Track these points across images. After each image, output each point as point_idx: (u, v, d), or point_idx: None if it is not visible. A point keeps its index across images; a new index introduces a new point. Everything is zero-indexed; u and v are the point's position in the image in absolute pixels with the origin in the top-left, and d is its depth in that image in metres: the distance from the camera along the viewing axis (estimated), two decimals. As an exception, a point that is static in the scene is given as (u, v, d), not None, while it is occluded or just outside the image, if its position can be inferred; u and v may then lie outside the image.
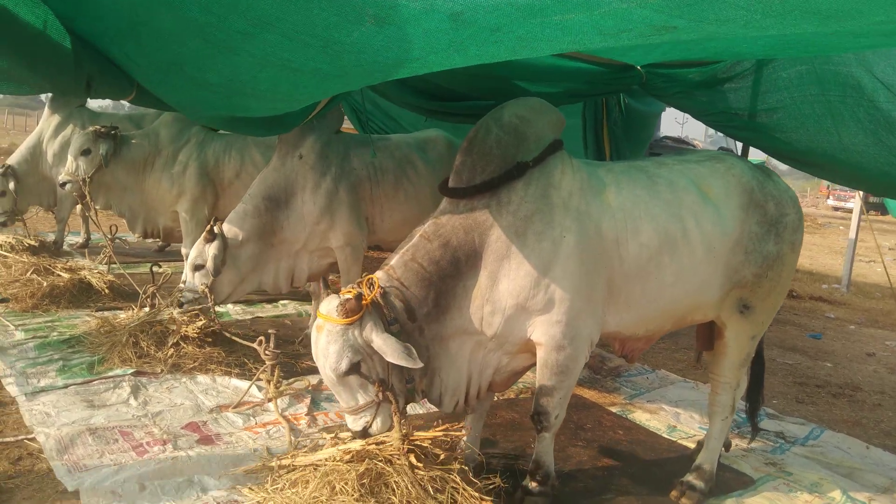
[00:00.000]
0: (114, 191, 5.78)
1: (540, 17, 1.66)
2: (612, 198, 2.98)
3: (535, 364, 3.18)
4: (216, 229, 4.23)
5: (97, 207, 5.79)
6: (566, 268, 2.83)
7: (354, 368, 2.62)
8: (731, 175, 3.19)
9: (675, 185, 3.10)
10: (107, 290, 5.53)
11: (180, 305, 4.32)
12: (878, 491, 3.61)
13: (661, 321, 3.18)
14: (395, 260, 2.86)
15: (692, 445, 3.97)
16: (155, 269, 5.23)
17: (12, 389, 3.76)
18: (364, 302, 2.64)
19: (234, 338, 4.33)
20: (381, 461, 2.64)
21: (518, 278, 2.81)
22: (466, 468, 2.72)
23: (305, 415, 3.81)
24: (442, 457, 2.70)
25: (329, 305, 2.67)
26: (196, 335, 4.40)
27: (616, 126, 3.90)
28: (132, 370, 4.09)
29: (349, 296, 2.69)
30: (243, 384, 4.12)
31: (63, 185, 5.63)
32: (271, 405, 3.88)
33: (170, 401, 3.82)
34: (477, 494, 2.58)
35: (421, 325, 2.80)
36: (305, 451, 2.94)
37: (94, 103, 8.27)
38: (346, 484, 2.53)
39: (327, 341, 2.59)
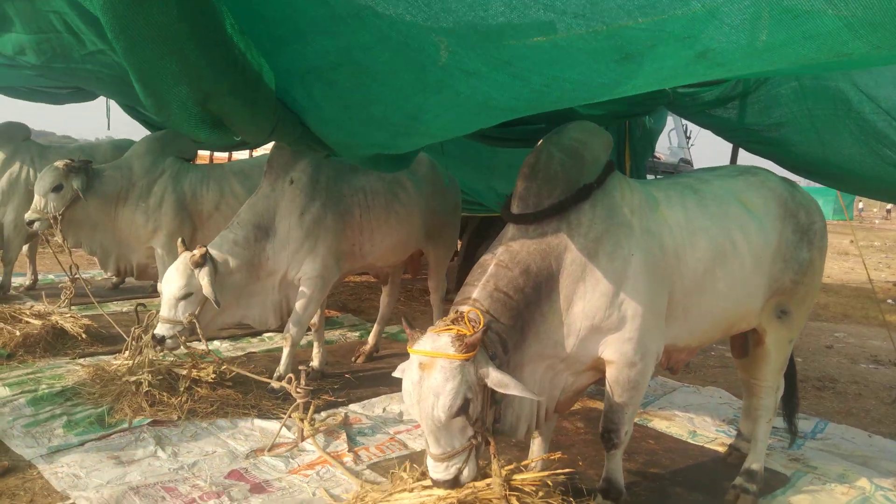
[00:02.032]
0: (84, 228, 5.41)
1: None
2: (667, 214, 3.07)
3: (595, 381, 3.22)
4: (205, 252, 4.02)
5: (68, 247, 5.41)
6: (636, 286, 2.88)
7: (464, 408, 2.45)
8: (766, 187, 3.35)
9: (720, 199, 3.23)
10: (83, 335, 5.16)
11: (160, 343, 4.03)
12: (894, 476, 3.84)
13: (712, 332, 3.29)
14: (476, 291, 2.78)
15: (720, 449, 4.12)
16: (140, 308, 4.94)
17: (24, 452, 3.44)
18: (478, 337, 2.47)
19: (258, 378, 4.13)
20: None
21: (593, 299, 2.84)
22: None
23: (348, 451, 3.69)
24: (540, 494, 2.66)
25: (438, 342, 2.49)
26: (209, 378, 4.17)
27: (637, 144, 4.03)
28: (148, 420, 3.83)
29: (454, 333, 2.51)
30: (270, 425, 3.95)
31: (31, 223, 5.23)
32: (307, 444, 3.74)
33: (200, 449, 3.61)
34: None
35: (510, 356, 2.77)
36: (378, 494, 2.83)
37: (42, 137, 7.72)
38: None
39: (444, 378, 2.40)
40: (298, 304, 4.48)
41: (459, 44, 1.49)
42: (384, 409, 4.41)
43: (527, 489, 2.65)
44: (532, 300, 2.79)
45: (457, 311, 2.74)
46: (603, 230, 2.88)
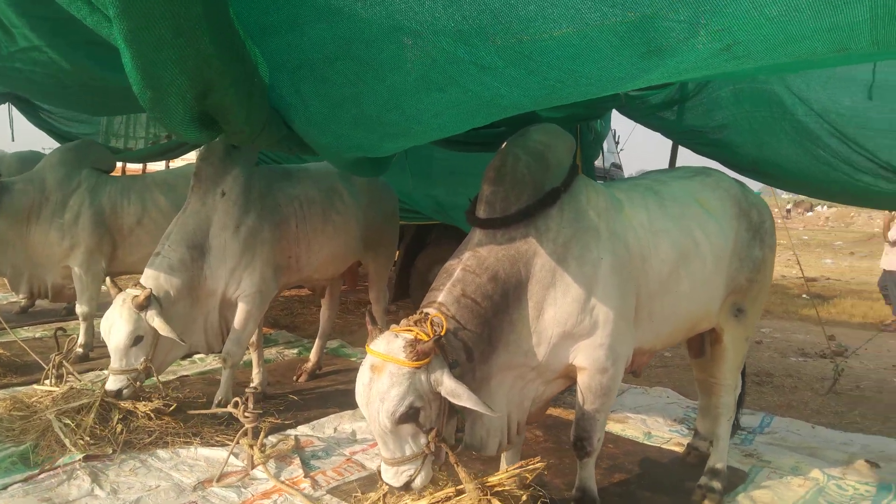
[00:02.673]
0: (-8, 247, 4.95)
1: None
2: (631, 216, 3.04)
3: (565, 389, 3.15)
4: (150, 293, 3.74)
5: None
6: (606, 290, 2.83)
7: (412, 416, 2.43)
8: (721, 188, 3.39)
9: (679, 200, 3.23)
10: (-7, 365, 4.70)
11: (118, 396, 3.76)
12: (841, 465, 3.96)
13: (676, 334, 3.29)
14: (442, 295, 2.70)
15: (677, 449, 4.14)
16: (60, 333, 4.55)
17: (-65, 501, 3.05)
18: (434, 344, 2.43)
19: (208, 410, 3.85)
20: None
21: (564, 305, 2.76)
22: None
23: (304, 477, 3.46)
24: (524, 497, 2.57)
25: (390, 345, 2.45)
26: (146, 409, 3.84)
27: (589, 148, 4.02)
28: (79, 455, 3.48)
29: (410, 336, 2.47)
30: (215, 453, 3.67)
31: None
32: (258, 472, 3.49)
33: (142, 484, 3.30)
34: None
35: (475, 365, 2.66)
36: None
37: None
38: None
39: (390, 384, 2.38)
40: (237, 323, 4.21)
41: (479, 36, 1.38)
42: (335, 430, 4.20)
43: (506, 491, 2.57)
44: (501, 308, 2.69)
45: (422, 313, 2.67)
46: (571, 234, 2.81)
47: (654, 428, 4.49)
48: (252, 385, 4.61)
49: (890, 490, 3.62)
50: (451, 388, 2.41)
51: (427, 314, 2.64)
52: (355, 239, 4.97)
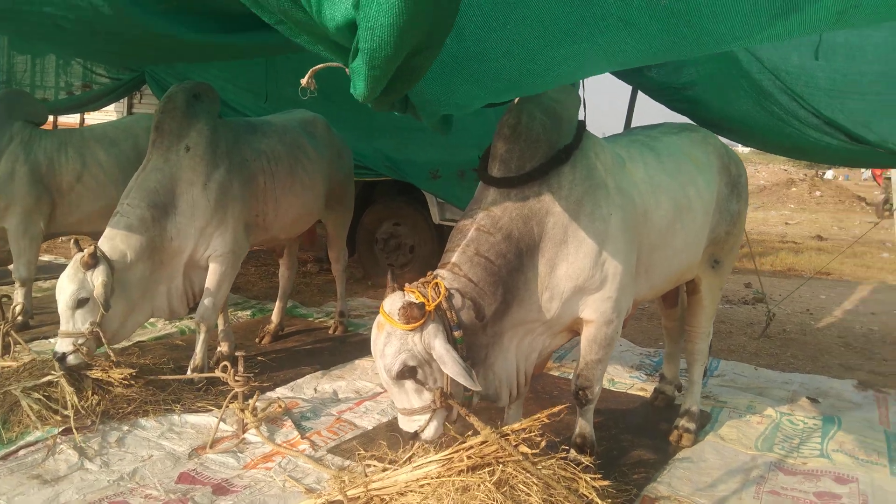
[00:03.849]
0: (-85, 210, 4.50)
1: None
2: (633, 172, 3.13)
3: (567, 341, 3.27)
4: (94, 251, 3.53)
5: None
6: (616, 245, 2.93)
7: (409, 373, 2.58)
8: (707, 143, 3.55)
9: (673, 156, 3.36)
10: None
11: (61, 361, 3.52)
12: (787, 402, 4.34)
13: (665, 285, 3.46)
14: (456, 256, 2.74)
15: (642, 394, 4.40)
16: (5, 300, 4.24)
17: None
18: (428, 309, 2.56)
19: (192, 374, 3.71)
20: (493, 464, 2.54)
21: (577, 261, 2.85)
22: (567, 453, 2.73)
23: (301, 439, 3.44)
24: (543, 444, 2.66)
25: (392, 305, 2.58)
26: (116, 378, 3.66)
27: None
28: (57, 429, 3.30)
29: (413, 298, 2.59)
30: (201, 419, 3.59)
31: None
32: (250, 436, 3.44)
33: (134, 455, 3.18)
34: (590, 476, 2.61)
35: (486, 323, 2.73)
36: (374, 476, 2.68)
37: None
38: (480, 495, 2.40)
39: (384, 343, 2.56)
40: (210, 284, 4.07)
41: None
42: (315, 390, 4.18)
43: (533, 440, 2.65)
44: (514, 266, 2.76)
45: (433, 275, 2.74)
46: (583, 191, 2.88)
47: (616, 375, 4.73)
48: (219, 349, 4.48)
49: (834, 422, 4.00)
50: (439, 353, 2.52)
51: (435, 276, 2.71)
52: (321, 196, 4.86)
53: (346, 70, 1.55)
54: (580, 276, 2.86)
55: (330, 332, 5.39)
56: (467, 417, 2.68)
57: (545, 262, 2.84)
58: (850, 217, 18.74)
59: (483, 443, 2.64)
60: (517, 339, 2.95)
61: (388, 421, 3.74)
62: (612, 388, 4.49)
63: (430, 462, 2.59)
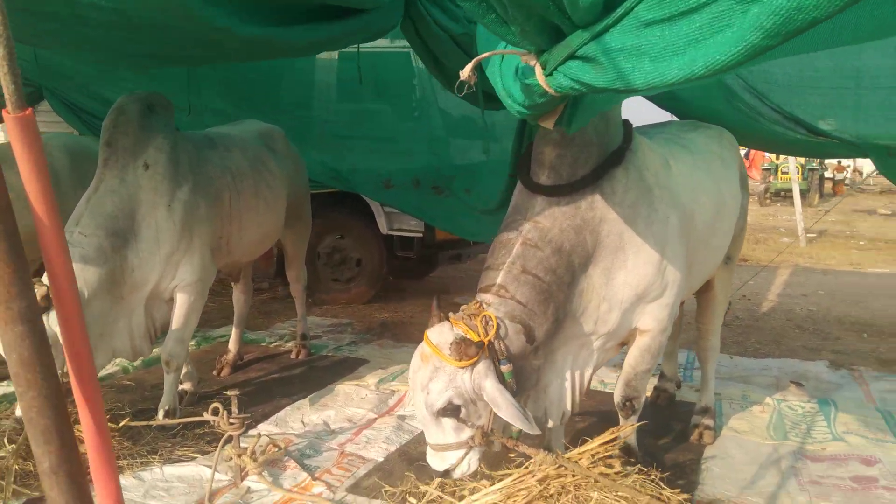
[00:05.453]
0: None
1: None
2: (677, 172, 2.96)
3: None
4: (46, 293, 3.01)
5: None
6: (675, 249, 2.77)
7: (452, 412, 2.39)
8: (725, 138, 3.50)
9: (704, 154, 3.25)
10: None
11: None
12: (774, 388, 4.38)
13: (698, 286, 3.38)
14: (501, 276, 2.51)
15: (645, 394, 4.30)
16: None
17: None
18: (482, 345, 2.36)
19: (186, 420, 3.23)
20: (571, 490, 2.33)
21: (636, 268, 2.66)
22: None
23: (313, 480, 3.06)
24: (616, 465, 2.48)
25: (442, 337, 2.38)
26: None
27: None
28: (24, 499, 2.74)
29: (462, 333, 2.38)
30: (186, 470, 3.13)
31: None
32: (252, 483, 3.02)
33: (124, 523, 2.68)
34: (670, 492, 2.44)
35: (538, 345, 2.52)
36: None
37: None
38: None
39: (430, 377, 2.37)
40: (178, 319, 3.58)
41: None
42: (303, 422, 3.77)
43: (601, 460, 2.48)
44: (566, 281, 2.55)
45: (478, 303, 2.51)
46: (637, 195, 2.69)
47: (605, 376, 4.62)
48: (182, 387, 3.96)
49: (829, 404, 4.06)
50: (492, 396, 2.34)
51: (480, 303, 2.49)
52: (282, 215, 4.45)
53: (532, 59, 1.28)
54: (641, 283, 2.68)
55: (292, 356, 4.96)
56: (515, 448, 2.53)
57: (601, 272, 2.63)
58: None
59: (540, 465, 2.44)
60: (571, 355, 2.76)
61: (397, 449, 3.42)
62: (606, 390, 4.35)
63: (499, 491, 2.37)
